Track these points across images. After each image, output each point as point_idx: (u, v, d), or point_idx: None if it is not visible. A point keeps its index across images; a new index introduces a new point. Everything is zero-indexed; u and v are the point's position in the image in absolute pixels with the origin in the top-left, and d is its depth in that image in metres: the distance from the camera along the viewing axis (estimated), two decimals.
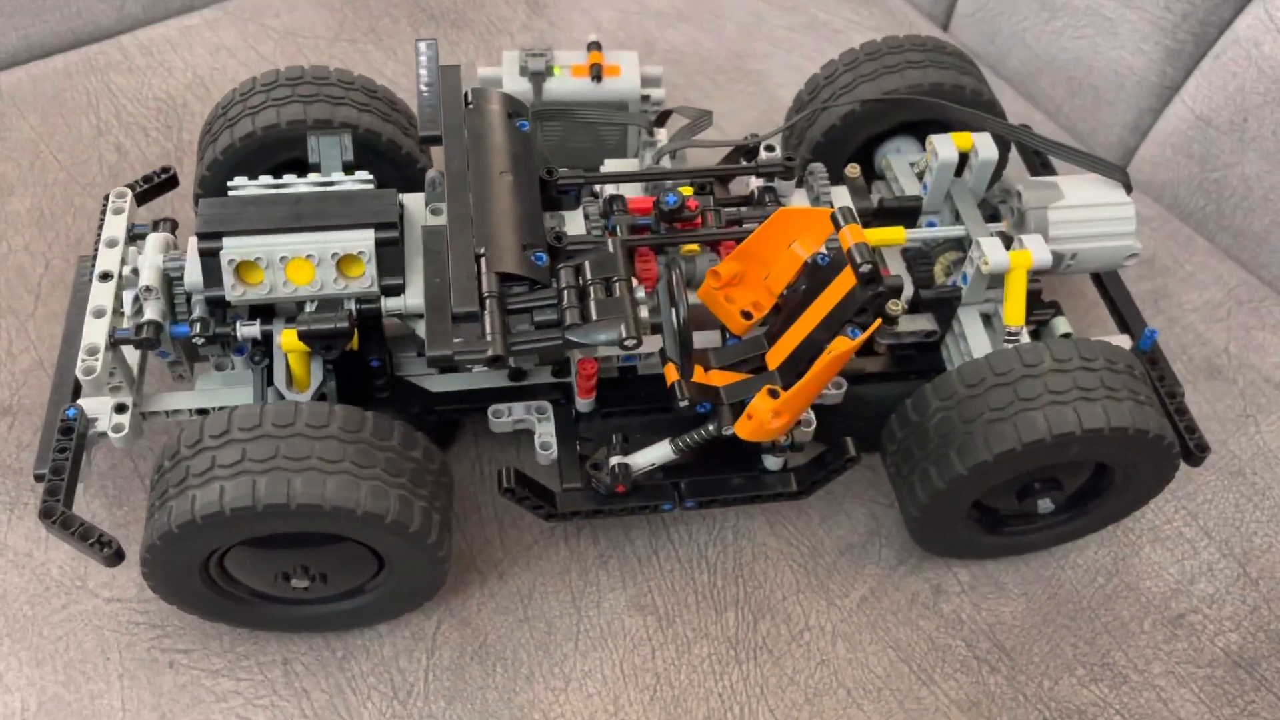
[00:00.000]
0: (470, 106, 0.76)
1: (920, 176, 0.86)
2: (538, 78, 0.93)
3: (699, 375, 0.72)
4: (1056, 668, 0.81)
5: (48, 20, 1.16)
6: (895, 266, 0.83)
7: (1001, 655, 0.81)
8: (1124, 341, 0.86)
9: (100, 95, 1.11)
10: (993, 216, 0.85)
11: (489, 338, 0.64)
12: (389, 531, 0.66)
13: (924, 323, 0.81)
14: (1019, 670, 0.80)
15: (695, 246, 0.76)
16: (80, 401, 0.75)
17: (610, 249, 0.69)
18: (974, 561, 0.85)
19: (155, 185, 0.86)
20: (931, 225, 0.84)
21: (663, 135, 0.90)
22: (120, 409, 0.75)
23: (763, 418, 0.68)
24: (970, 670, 0.80)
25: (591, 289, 0.67)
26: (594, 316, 0.65)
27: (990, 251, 0.77)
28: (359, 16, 1.20)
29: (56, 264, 0.97)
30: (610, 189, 0.79)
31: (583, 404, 0.78)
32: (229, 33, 1.17)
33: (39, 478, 0.72)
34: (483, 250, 0.68)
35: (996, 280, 0.79)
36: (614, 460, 0.75)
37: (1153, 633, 0.82)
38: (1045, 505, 0.77)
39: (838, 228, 0.67)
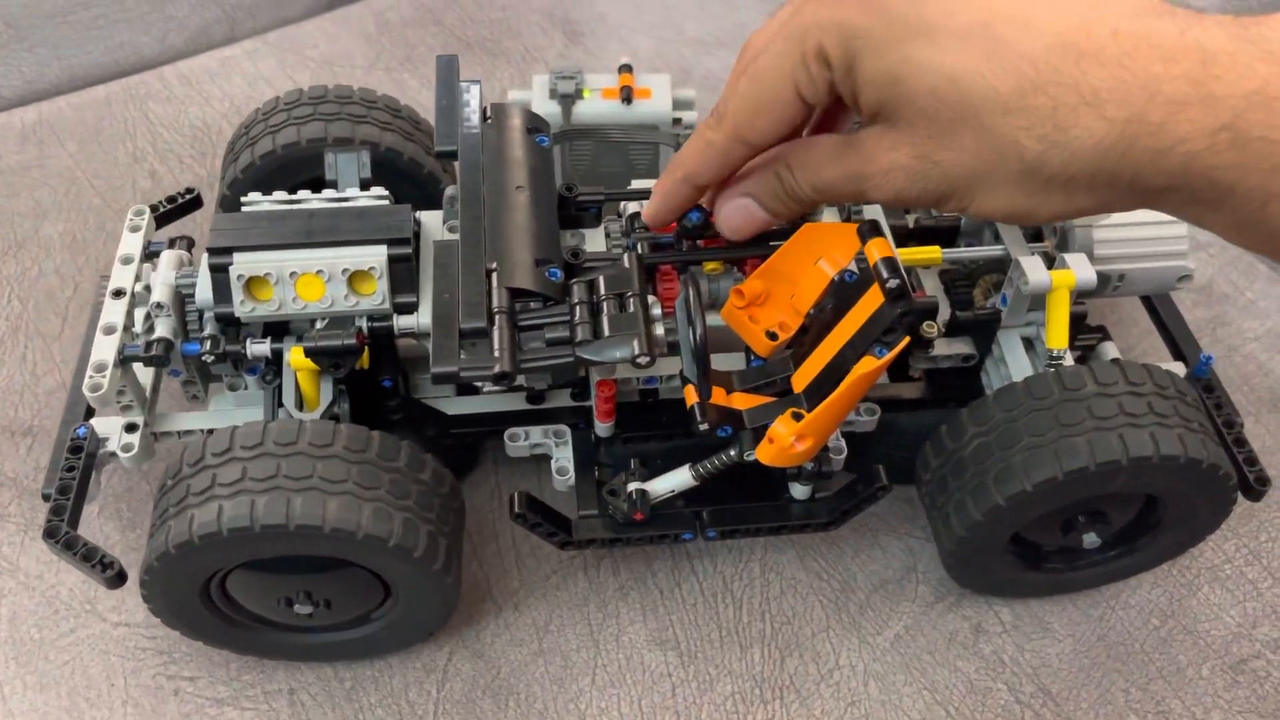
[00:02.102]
0: (489, 121, 0.74)
1: None
2: (567, 100, 0.91)
3: (722, 399, 0.69)
4: (1107, 715, 0.75)
5: (91, 51, 1.18)
6: (932, 288, 0.79)
7: (1046, 700, 0.76)
8: (1178, 369, 0.81)
9: (138, 124, 1.11)
10: (1035, 237, 0.81)
11: (497, 354, 0.62)
12: (393, 556, 0.64)
13: (961, 346, 0.77)
14: (1065, 717, 0.75)
15: (718, 265, 0.73)
16: (92, 421, 0.74)
17: (626, 264, 0.66)
18: (1017, 600, 0.80)
19: (179, 206, 0.86)
20: (971, 246, 0.81)
21: None
22: (131, 428, 0.73)
23: (784, 441, 0.64)
24: (1012, 715, 0.75)
25: (605, 305, 0.64)
26: (606, 333, 0.63)
27: (1030, 270, 0.73)
28: (395, 46, 1.20)
29: (85, 287, 0.97)
30: (633, 207, 0.76)
31: (602, 428, 0.76)
32: (268, 63, 1.18)
33: (46, 497, 0.70)
34: (494, 265, 0.66)
35: (1038, 302, 0.75)
36: (632, 486, 0.72)
37: (1212, 679, 0.77)
38: (1090, 540, 0.72)
39: (864, 241, 0.64)
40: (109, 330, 0.71)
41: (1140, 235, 0.77)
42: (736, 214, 0.62)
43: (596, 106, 0.92)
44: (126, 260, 0.76)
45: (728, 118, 0.58)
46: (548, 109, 0.90)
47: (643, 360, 0.62)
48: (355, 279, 0.69)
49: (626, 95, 0.92)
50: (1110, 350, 0.79)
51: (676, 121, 0.92)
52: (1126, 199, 0.49)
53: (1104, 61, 0.46)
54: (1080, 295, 0.75)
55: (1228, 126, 0.44)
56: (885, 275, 0.62)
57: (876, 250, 0.63)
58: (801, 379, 0.69)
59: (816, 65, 0.54)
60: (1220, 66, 0.44)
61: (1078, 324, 0.76)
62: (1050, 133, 0.48)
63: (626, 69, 0.93)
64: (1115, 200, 0.50)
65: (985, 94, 0.49)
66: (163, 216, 0.84)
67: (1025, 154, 0.49)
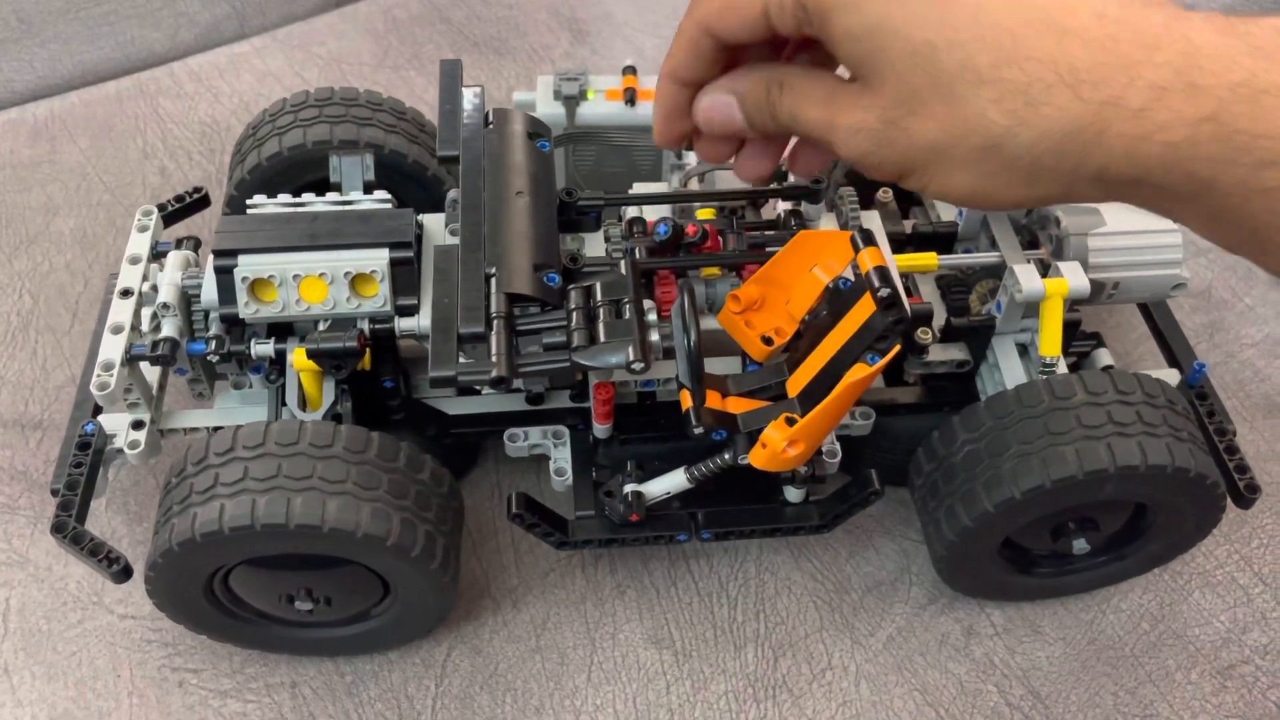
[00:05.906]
0: (490, 126, 0.75)
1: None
2: (571, 101, 0.92)
3: (717, 402, 0.70)
4: (1095, 717, 0.76)
5: (102, 47, 1.19)
6: (928, 293, 0.80)
7: (1036, 702, 0.77)
8: (1172, 375, 0.82)
9: (148, 120, 1.13)
10: (1032, 244, 0.81)
11: (494, 359, 0.63)
12: (391, 555, 0.65)
13: (955, 352, 0.78)
14: (1054, 719, 0.76)
15: (715, 270, 0.74)
16: (99, 418, 0.75)
17: (622, 270, 0.67)
18: (1009, 603, 0.81)
19: (187, 205, 0.87)
20: (968, 252, 0.82)
21: (693, 159, 0.89)
22: (137, 425, 0.75)
23: (776, 446, 0.65)
24: (1001, 717, 0.76)
25: (601, 311, 0.65)
26: (602, 339, 0.64)
27: (1024, 278, 0.73)
28: (403, 44, 1.21)
29: (95, 283, 0.98)
30: (633, 211, 0.77)
31: (600, 430, 0.77)
32: (276, 60, 1.19)
33: (54, 492, 0.72)
34: (493, 270, 0.67)
35: (1033, 309, 0.76)
36: (628, 488, 0.73)
37: (1200, 684, 0.78)
38: (1080, 546, 0.73)
39: (857, 251, 0.65)
40: (116, 329, 0.73)
41: (1135, 244, 0.77)
42: (717, 108, 0.58)
43: (600, 108, 0.92)
44: (134, 260, 0.77)
45: (699, 5, 0.56)
46: (552, 110, 0.91)
47: (637, 367, 0.63)
48: (358, 281, 0.70)
49: (630, 97, 0.92)
50: (1104, 357, 0.80)
51: None
52: (1092, 189, 0.48)
53: (1086, 41, 0.45)
54: (1074, 303, 0.76)
55: (1211, 118, 0.43)
56: (877, 285, 0.63)
57: (869, 259, 0.64)
58: (796, 383, 0.70)
59: (791, 1, 0.52)
60: (1204, 57, 0.43)
61: (1072, 331, 0.77)
62: (1020, 108, 0.46)
63: (631, 70, 0.94)
64: (1080, 190, 0.48)
65: (961, 63, 0.47)
66: (171, 216, 0.85)
67: (991, 128, 0.47)
